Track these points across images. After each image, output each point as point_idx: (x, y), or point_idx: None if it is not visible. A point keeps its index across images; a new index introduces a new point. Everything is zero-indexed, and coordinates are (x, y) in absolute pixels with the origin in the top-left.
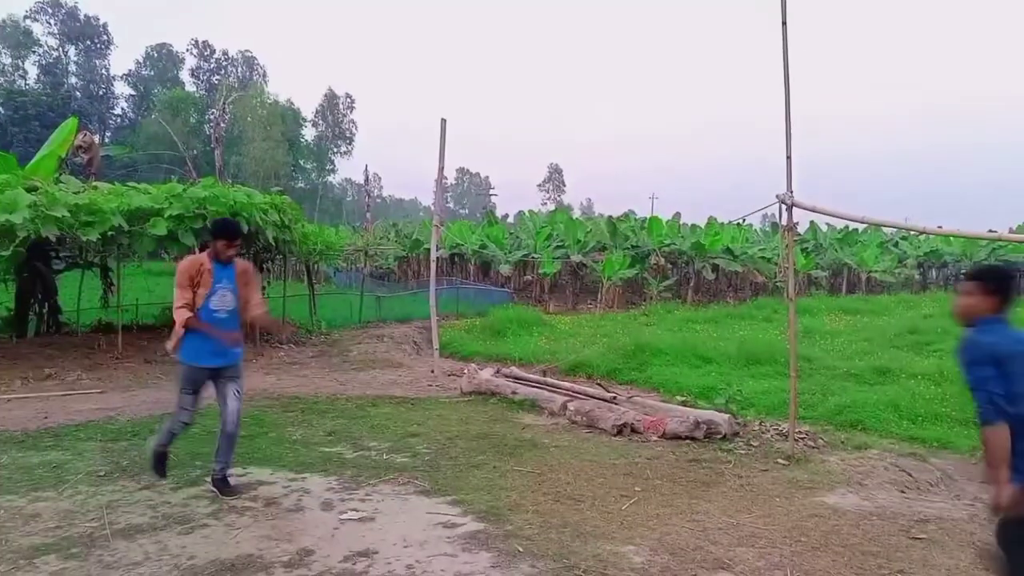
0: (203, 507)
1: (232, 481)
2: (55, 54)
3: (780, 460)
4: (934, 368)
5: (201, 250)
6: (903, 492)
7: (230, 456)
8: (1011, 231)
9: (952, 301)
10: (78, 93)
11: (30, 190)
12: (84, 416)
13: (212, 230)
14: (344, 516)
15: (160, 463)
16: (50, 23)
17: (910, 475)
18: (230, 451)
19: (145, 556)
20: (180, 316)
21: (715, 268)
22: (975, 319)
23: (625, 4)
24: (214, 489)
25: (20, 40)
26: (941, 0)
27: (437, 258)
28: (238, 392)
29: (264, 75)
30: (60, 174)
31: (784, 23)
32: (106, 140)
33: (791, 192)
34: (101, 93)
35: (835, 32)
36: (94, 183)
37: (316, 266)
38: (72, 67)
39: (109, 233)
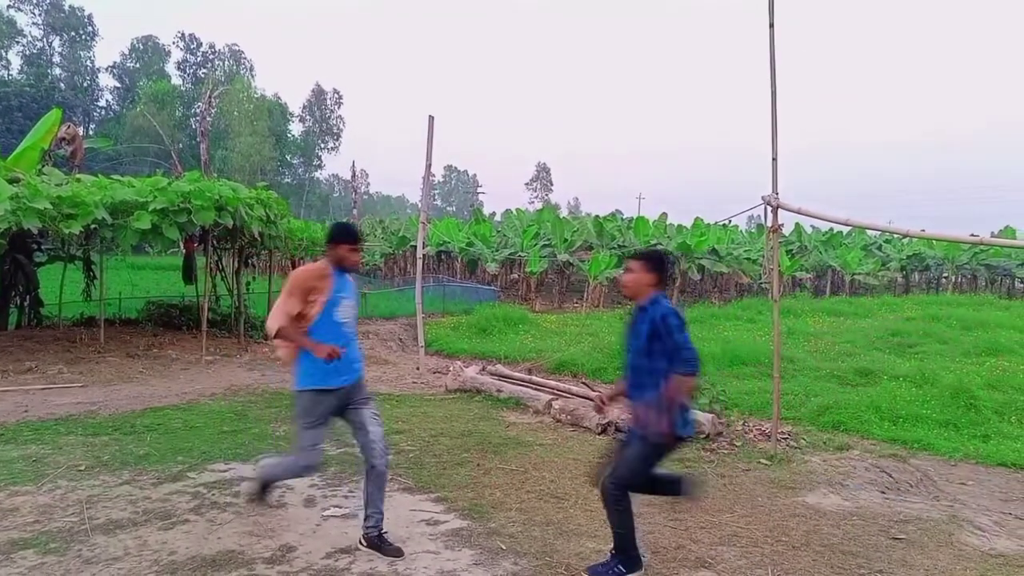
0: (184, 502)
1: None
2: (39, 45)
3: (763, 460)
4: (916, 370)
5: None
6: (883, 493)
7: (383, 502)
8: (992, 235)
9: (622, 277)
10: (62, 84)
11: (12, 182)
12: (65, 410)
13: (334, 234)
14: (327, 513)
15: (263, 490)
16: (34, 13)
17: (890, 476)
18: (383, 495)
19: (125, 551)
20: (274, 323)
21: (701, 269)
22: (643, 293)
23: (616, 3)
24: (371, 550)
25: (3, 30)
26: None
27: (424, 255)
28: (376, 415)
29: (251, 69)
30: (43, 166)
31: (771, 25)
32: (90, 132)
33: (776, 194)
34: (85, 85)
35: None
36: (77, 175)
37: (302, 262)
38: (56, 58)
39: (92, 226)
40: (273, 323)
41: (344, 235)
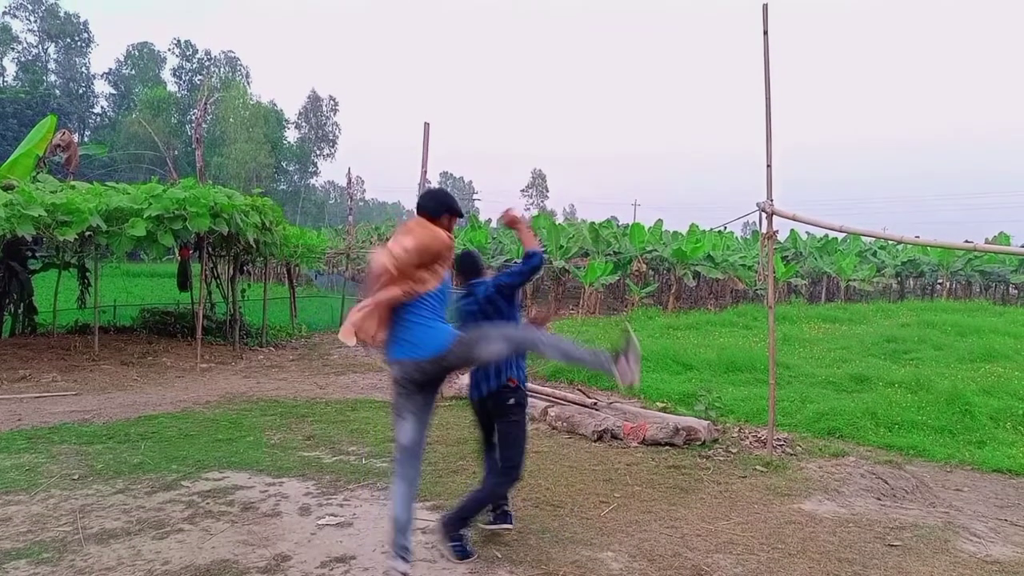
0: (178, 511)
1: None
2: (34, 51)
3: (758, 467)
4: (911, 376)
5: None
6: (879, 499)
7: None
8: (987, 242)
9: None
10: (57, 91)
11: (6, 189)
12: (59, 418)
13: (447, 204)
14: (322, 521)
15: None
16: (29, 19)
17: (886, 482)
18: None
19: (118, 561)
20: (390, 261)
21: (696, 275)
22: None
23: (614, 9)
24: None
25: None
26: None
27: None
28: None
29: (247, 76)
30: (37, 173)
31: (765, 32)
32: (85, 139)
33: (771, 200)
34: (81, 91)
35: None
36: (72, 182)
37: (297, 268)
38: (52, 65)
39: (86, 233)
40: (390, 261)
41: (455, 206)
